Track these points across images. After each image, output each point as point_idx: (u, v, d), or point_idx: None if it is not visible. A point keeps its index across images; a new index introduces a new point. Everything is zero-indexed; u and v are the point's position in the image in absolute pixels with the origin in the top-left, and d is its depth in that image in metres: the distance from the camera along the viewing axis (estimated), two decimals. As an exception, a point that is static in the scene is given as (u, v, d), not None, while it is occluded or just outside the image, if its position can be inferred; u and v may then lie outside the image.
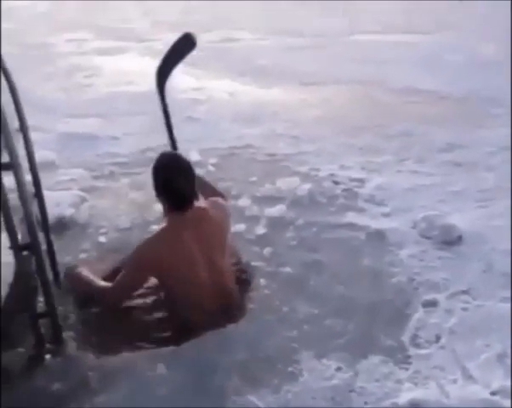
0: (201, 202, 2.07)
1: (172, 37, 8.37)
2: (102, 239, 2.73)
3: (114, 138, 4.29)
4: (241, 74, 6.34)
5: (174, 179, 1.92)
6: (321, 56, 7.15)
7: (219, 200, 2.17)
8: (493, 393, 1.70)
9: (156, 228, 2.75)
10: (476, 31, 8.07)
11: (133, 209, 3.03)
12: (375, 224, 2.76)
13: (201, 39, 9.26)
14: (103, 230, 2.80)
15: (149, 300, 2.21)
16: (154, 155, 3.93)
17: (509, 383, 1.73)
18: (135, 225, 2.81)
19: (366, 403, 1.72)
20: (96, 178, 3.57)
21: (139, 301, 2.21)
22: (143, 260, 1.98)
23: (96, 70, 6.82)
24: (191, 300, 2.00)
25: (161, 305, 2.17)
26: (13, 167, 1.66)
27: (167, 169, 1.96)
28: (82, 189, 3.28)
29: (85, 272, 2.20)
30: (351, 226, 2.77)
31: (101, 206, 3.07)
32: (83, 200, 3.13)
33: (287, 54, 7.35)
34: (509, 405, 1.64)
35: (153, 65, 7.00)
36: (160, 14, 11.74)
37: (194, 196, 1.97)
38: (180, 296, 2.02)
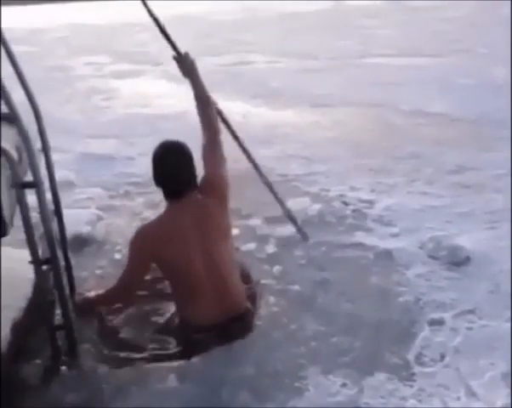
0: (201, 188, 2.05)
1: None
2: (117, 256, 2.82)
3: (130, 159, 4.41)
4: (254, 96, 6.47)
5: (168, 168, 1.98)
6: (333, 79, 7.27)
7: (216, 177, 2.10)
8: (497, 411, 1.73)
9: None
10: (487, 55, 8.14)
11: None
12: (383, 244, 2.80)
13: (214, 62, 9.64)
14: (118, 247, 2.89)
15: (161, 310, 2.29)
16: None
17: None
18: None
19: (370, 419, 1.76)
20: (112, 197, 3.68)
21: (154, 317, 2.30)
22: (140, 244, 2.02)
23: (113, 93, 7.03)
24: (187, 289, 2.02)
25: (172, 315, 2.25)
26: (36, 185, 1.76)
27: (163, 158, 2.01)
28: (99, 208, 3.39)
29: (90, 293, 2.27)
30: (360, 246, 2.82)
31: (117, 224, 3.17)
32: (100, 218, 3.24)
33: (299, 77, 7.49)
34: (512, 423, 1.67)
35: (169, 87, 7.28)
36: (173, 38, 12.05)
37: (190, 184, 2.00)
38: (176, 283, 2.06)
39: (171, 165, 2.00)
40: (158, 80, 7.88)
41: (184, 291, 2.07)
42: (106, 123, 5.50)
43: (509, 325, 2.17)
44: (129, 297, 2.20)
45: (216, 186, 2.10)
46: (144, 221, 3.17)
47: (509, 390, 1.81)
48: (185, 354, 2.05)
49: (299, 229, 2.59)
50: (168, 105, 6.24)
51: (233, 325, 2.09)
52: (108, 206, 3.51)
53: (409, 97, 5.93)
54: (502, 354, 1.99)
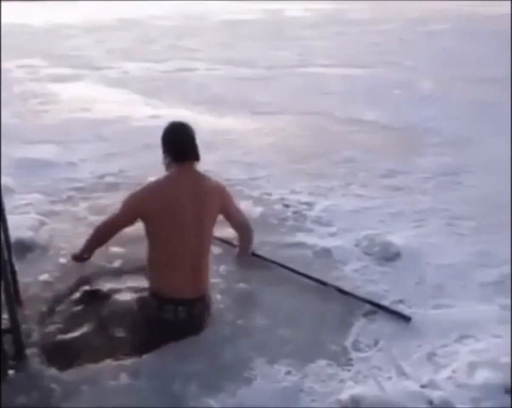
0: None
1: (126, 66, 8.67)
2: (62, 260, 2.81)
3: (71, 164, 4.36)
4: (196, 103, 6.56)
5: (179, 136, 2.28)
6: (272, 87, 7.49)
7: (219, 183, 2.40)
8: (423, 386, 1.93)
9: (114, 250, 2.89)
10: (414, 67, 8.69)
11: (93, 232, 3.12)
12: (322, 243, 2.99)
13: (157, 68, 9.57)
14: (63, 252, 2.88)
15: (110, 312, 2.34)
16: (113, 180, 4.08)
17: (436, 377, 1.96)
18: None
19: (312, 401, 1.91)
20: (54, 202, 3.63)
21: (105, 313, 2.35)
22: (134, 201, 2.25)
23: (51, 97, 6.87)
24: (167, 255, 2.19)
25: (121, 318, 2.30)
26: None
27: (174, 129, 2.31)
28: (41, 213, 3.34)
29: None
30: (300, 245, 2.99)
31: (61, 229, 3.14)
32: (43, 223, 3.20)
33: (240, 84, 7.66)
34: (436, 395, 1.87)
35: (108, 92, 7.19)
36: (113, 42, 11.88)
37: (194, 153, 2.27)
38: (162, 239, 2.20)
39: (180, 132, 2.29)
40: (97, 84, 7.77)
41: (163, 258, 2.21)
42: (45, 128, 5.38)
43: (434, 311, 2.41)
44: (110, 236, 2.42)
45: (217, 184, 2.37)
46: (89, 226, 3.18)
47: (433, 367, 2.02)
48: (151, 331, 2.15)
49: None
50: (108, 110, 6.20)
51: (197, 304, 2.23)
52: (50, 211, 3.46)
53: (344, 105, 6.25)
54: (428, 338, 2.21)
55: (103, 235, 2.43)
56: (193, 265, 2.22)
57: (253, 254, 2.68)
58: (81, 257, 2.48)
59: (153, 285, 2.27)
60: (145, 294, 2.32)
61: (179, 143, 2.26)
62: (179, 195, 2.20)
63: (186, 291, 2.20)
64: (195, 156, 2.27)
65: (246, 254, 2.60)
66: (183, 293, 2.20)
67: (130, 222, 2.31)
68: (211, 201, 2.29)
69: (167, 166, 2.29)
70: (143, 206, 2.22)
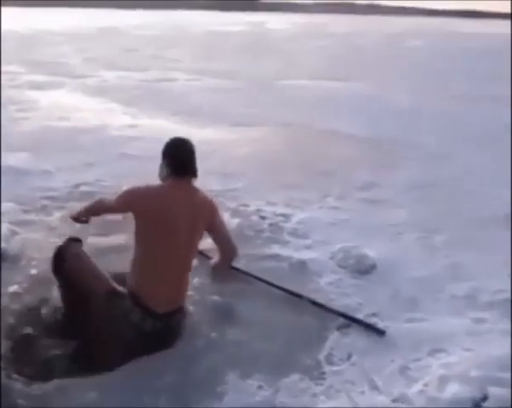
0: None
1: (106, 75, 8.63)
2: (33, 271, 2.75)
3: (46, 173, 4.30)
4: (175, 113, 6.55)
5: (180, 151, 2.33)
6: (251, 99, 7.53)
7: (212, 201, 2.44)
8: (394, 401, 1.94)
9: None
10: (391, 82, 8.84)
11: (66, 242, 3.06)
12: (298, 255, 2.99)
13: (136, 78, 9.54)
14: (34, 263, 2.82)
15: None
16: (89, 190, 4.03)
17: (407, 391, 1.97)
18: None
19: (284, 416, 1.90)
20: (27, 211, 3.56)
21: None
22: (129, 197, 2.29)
23: (29, 104, 6.79)
24: (161, 254, 2.20)
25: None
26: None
27: (176, 144, 2.36)
28: (13, 223, 3.27)
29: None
30: (276, 257, 2.99)
31: (33, 239, 3.08)
32: (14, 233, 3.13)
33: (219, 96, 7.68)
34: (407, 409, 1.88)
35: (86, 100, 7.13)
36: (93, 51, 11.82)
37: (192, 169, 2.32)
38: (152, 242, 2.21)
39: (180, 148, 2.34)
40: (76, 93, 7.70)
41: (150, 263, 2.21)
42: (21, 135, 5.30)
43: (407, 325, 2.42)
44: (102, 214, 2.50)
45: (209, 201, 2.40)
46: (61, 237, 3.13)
47: (405, 381, 2.03)
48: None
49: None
50: (86, 119, 6.14)
51: (175, 316, 2.23)
52: (23, 221, 3.39)
53: (322, 118, 6.31)
54: (400, 352, 2.22)
55: (98, 210, 2.49)
56: (178, 278, 2.25)
57: (232, 267, 2.67)
58: (80, 218, 2.49)
59: (134, 287, 2.20)
60: (122, 302, 2.21)
61: (180, 157, 2.31)
62: (174, 205, 2.24)
63: (169, 304, 2.21)
64: (193, 173, 2.32)
65: (224, 269, 2.61)
66: (165, 307, 2.19)
67: (123, 212, 2.47)
68: (202, 217, 2.33)
69: (164, 179, 2.32)
70: (137, 204, 2.25)
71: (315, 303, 2.49)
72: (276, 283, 2.64)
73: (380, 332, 2.29)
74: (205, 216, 2.36)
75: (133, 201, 2.28)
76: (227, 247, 2.53)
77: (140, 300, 2.17)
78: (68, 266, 2.27)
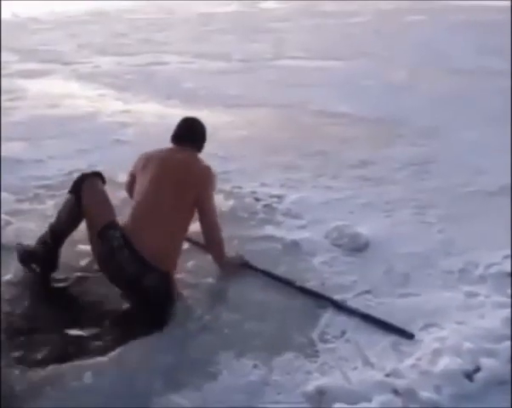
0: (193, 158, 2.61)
1: (97, 61, 8.53)
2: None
3: (39, 161, 4.27)
4: (169, 97, 6.49)
5: (182, 122, 2.73)
6: (246, 80, 7.45)
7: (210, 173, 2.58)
8: (387, 375, 1.95)
9: (81, 247, 2.86)
10: (388, 58, 8.74)
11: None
12: (291, 236, 2.99)
13: (128, 62, 9.44)
14: (29, 251, 2.82)
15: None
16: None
17: (399, 366, 1.99)
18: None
19: (278, 393, 1.91)
20: (20, 201, 3.55)
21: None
22: (137, 161, 2.72)
23: (20, 93, 6.72)
24: (145, 197, 2.44)
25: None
26: None
27: (183, 118, 2.77)
28: (6, 213, 3.26)
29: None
30: (270, 238, 2.99)
31: (27, 229, 3.07)
32: (8, 223, 3.13)
33: (212, 78, 7.60)
34: (400, 383, 1.89)
35: (78, 87, 7.06)
36: (85, 37, 11.68)
37: (190, 139, 2.66)
38: (140, 194, 2.48)
39: (184, 120, 2.74)
40: (68, 80, 7.63)
41: (135, 210, 2.43)
42: (13, 124, 5.25)
43: (401, 300, 2.43)
44: (128, 190, 2.86)
45: (203, 173, 2.56)
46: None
47: (397, 356, 2.04)
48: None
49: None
50: (78, 105, 6.09)
51: (147, 276, 2.28)
52: (16, 210, 3.38)
53: (317, 98, 6.25)
54: (393, 327, 2.23)
55: (127, 190, 2.88)
56: (158, 234, 2.33)
57: (244, 263, 2.63)
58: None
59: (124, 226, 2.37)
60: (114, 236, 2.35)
61: (180, 127, 2.69)
62: (166, 161, 2.53)
63: (147, 250, 2.28)
64: (190, 142, 2.63)
65: (219, 264, 2.60)
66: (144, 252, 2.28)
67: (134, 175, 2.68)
68: (191, 182, 2.47)
69: None
70: (139, 162, 2.63)
71: (333, 303, 2.38)
72: (289, 279, 2.54)
73: (408, 336, 2.16)
74: (194, 181, 2.48)
75: (137, 161, 2.67)
76: (211, 238, 2.53)
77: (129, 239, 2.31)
78: (82, 195, 2.45)
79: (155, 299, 2.33)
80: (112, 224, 2.34)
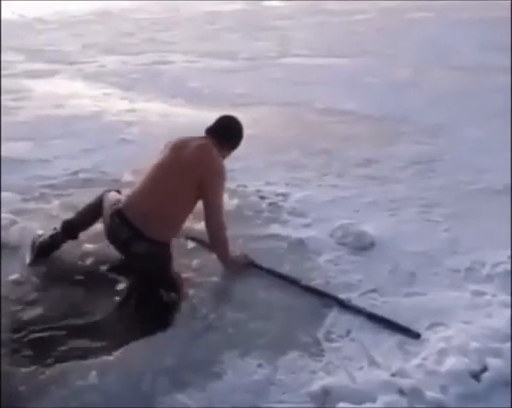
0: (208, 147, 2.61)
1: (102, 60, 8.51)
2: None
3: (44, 161, 4.28)
4: (174, 96, 6.49)
5: (218, 118, 2.77)
6: (251, 78, 7.44)
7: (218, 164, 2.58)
8: (393, 375, 1.94)
9: (87, 246, 2.87)
10: (391, 56, 8.70)
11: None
12: (296, 234, 2.98)
13: (133, 62, 9.43)
14: (34, 251, 2.82)
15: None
16: (87, 176, 4.03)
17: (405, 365, 1.97)
18: (67, 244, 2.86)
19: (283, 393, 1.91)
20: (26, 200, 3.56)
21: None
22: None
23: (26, 93, 6.73)
24: (150, 172, 2.56)
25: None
26: None
27: (223, 115, 2.81)
28: (12, 212, 3.27)
29: None
30: (275, 237, 2.98)
31: (32, 228, 3.07)
32: (13, 222, 3.13)
33: (218, 76, 7.60)
34: (406, 383, 1.88)
35: (83, 87, 7.05)
36: (90, 36, 11.69)
37: (217, 132, 2.68)
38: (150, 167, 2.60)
39: (224, 116, 2.79)
40: (74, 80, 7.64)
41: (139, 182, 2.57)
42: (18, 125, 5.27)
43: (406, 299, 2.42)
44: None
45: (210, 163, 2.56)
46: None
47: (403, 356, 2.03)
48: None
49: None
50: (83, 106, 6.09)
51: (135, 242, 2.38)
52: (22, 209, 3.39)
53: (322, 96, 6.22)
54: (399, 326, 2.21)
55: None
56: (157, 202, 2.44)
57: (249, 262, 2.63)
58: None
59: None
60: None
61: (214, 121, 2.74)
62: (179, 146, 2.58)
63: (139, 219, 2.40)
64: (215, 134, 2.66)
65: (223, 263, 2.59)
66: (133, 217, 2.41)
67: None
68: (198, 168, 2.49)
69: None
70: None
71: (342, 305, 2.36)
72: (294, 278, 2.54)
73: (414, 335, 2.15)
74: (200, 168, 2.49)
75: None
76: (215, 237, 2.53)
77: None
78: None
79: (144, 265, 2.42)
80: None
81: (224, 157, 2.71)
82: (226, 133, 2.72)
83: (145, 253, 2.39)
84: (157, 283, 2.44)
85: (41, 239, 2.76)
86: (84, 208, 2.79)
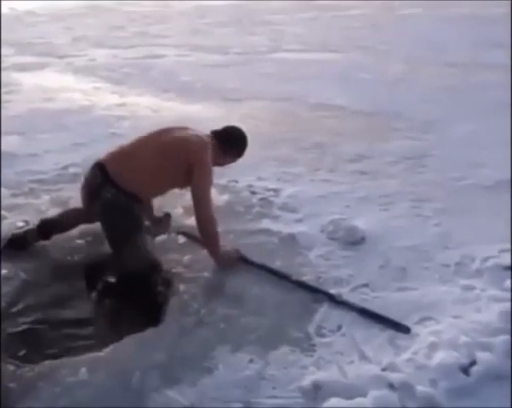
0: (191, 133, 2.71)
1: (93, 53, 8.47)
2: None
3: (34, 156, 4.24)
4: (165, 90, 6.46)
5: (226, 127, 2.88)
6: (242, 73, 7.42)
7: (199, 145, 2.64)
8: (383, 369, 1.95)
9: (78, 242, 2.85)
10: (385, 51, 8.71)
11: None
12: (287, 229, 2.97)
13: (124, 55, 9.38)
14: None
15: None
16: (77, 171, 4.01)
17: (396, 360, 1.98)
18: (56, 240, 2.84)
19: (274, 388, 1.91)
20: (16, 195, 3.53)
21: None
22: None
23: (15, 87, 6.68)
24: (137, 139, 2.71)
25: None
26: None
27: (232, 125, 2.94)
28: (2, 207, 3.24)
29: None
30: (266, 232, 2.97)
31: (22, 224, 3.06)
32: (3, 217, 3.11)
33: (209, 71, 7.57)
34: (396, 377, 1.89)
35: (73, 80, 7.01)
36: (80, 29, 11.60)
37: (219, 132, 2.79)
38: None
39: (232, 126, 2.92)
40: (64, 73, 7.58)
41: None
42: (7, 119, 5.21)
43: (397, 294, 2.42)
44: None
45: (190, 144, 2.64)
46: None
47: (393, 350, 2.04)
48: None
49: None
50: (73, 99, 6.05)
51: (107, 187, 2.46)
52: (11, 205, 3.35)
53: (314, 91, 6.22)
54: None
55: None
56: (136, 166, 2.54)
57: (240, 257, 2.62)
58: None
59: None
60: None
61: (222, 128, 2.85)
62: (169, 128, 2.75)
63: (119, 175, 2.48)
64: (220, 138, 2.76)
65: (217, 260, 2.58)
66: (112, 168, 2.50)
67: None
68: (186, 148, 2.58)
69: None
70: None
71: (333, 300, 2.36)
72: (285, 273, 2.53)
73: (404, 329, 2.15)
74: (193, 152, 2.57)
75: None
76: (205, 232, 2.54)
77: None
78: None
79: (111, 213, 2.47)
80: None
81: (223, 164, 2.82)
82: (231, 140, 2.80)
83: (112, 199, 2.46)
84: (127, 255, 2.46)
85: (16, 231, 2.78)
86: (66, 211, 2.83)
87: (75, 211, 2.82)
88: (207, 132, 2.82)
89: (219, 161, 2.77)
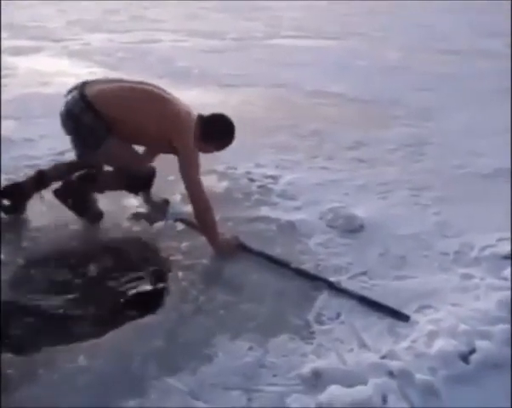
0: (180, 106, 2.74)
1: (88, 38, 8.35)
2: (19, 241, 2.71)
3: (29, 141, 4.19)
4: (161, 75, 6.37)
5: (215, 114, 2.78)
6: (239, 59, 7.36)
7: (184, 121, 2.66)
8: (383, 357, 1.95)
9: (74, 227, 2.83)
10: (381, 38, 8.66)
11: (51, 210, 3.03)
12: (286, 217, 2.96)
13: (120, 40, 9.24)
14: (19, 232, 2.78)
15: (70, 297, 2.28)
16: (73, 156, 3.95)
17: (395, 347, 1.99)
18: (52, 225, 2.82)
19: (274, 375, 1.91)
20: (11, 181, 3.49)
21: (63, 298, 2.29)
22: None
23: (10, 71, 6.57)
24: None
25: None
26: None
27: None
28: (-2, 193, 3.20)
29: None
30: (265, 219, 2.96)
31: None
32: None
33: (205, 56, 7.49)
34: (396, 365, 1.89)
35: (69, 64, 6.92)
36: (76, 13, 11.44)
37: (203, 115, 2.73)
38: None
39: (222, 116, 2.78)
40: (59, 57, 7.48)
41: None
42: (3, 103, 5.12)
43: (396, 282, 2.43)
44: None
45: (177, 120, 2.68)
46: (46, 205, 3.08)
47: (393, 338, 2.04)
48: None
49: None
50: (69, 84, 5.91)
51: (87, 113, 2.61)
52: (7, 190, 3.32)
53: (310, 77, 6.18)
54: (388, 309, 2.22)
55: None
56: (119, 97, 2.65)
57: (239, 245, 2.60)
58: None
59: None
60: None
61: (210, 115, 2.77)
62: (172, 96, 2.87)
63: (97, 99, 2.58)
64: (202, 119, 2.71)
65: (216, 247, 2.56)
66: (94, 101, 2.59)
67: None
68: (167, 120, 2.62)
69: None
70: None
71: (332, 287, 2.36)
72: (285, 260, 2.52)
73: (404, 318, 2.15)
74: (175, 126, 2.62)
75: None
76: (203, 220, 2.55)
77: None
78: None
79: (90, 137, 2.60)
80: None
81: (202, 151, 2.71)
82: (214, 132, 2.71)
83: (92, 125, 2.57)
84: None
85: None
86: (63, 163, 2.96)
87: (73, 163, 2.92)
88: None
89: (199, 146, 2.68)
